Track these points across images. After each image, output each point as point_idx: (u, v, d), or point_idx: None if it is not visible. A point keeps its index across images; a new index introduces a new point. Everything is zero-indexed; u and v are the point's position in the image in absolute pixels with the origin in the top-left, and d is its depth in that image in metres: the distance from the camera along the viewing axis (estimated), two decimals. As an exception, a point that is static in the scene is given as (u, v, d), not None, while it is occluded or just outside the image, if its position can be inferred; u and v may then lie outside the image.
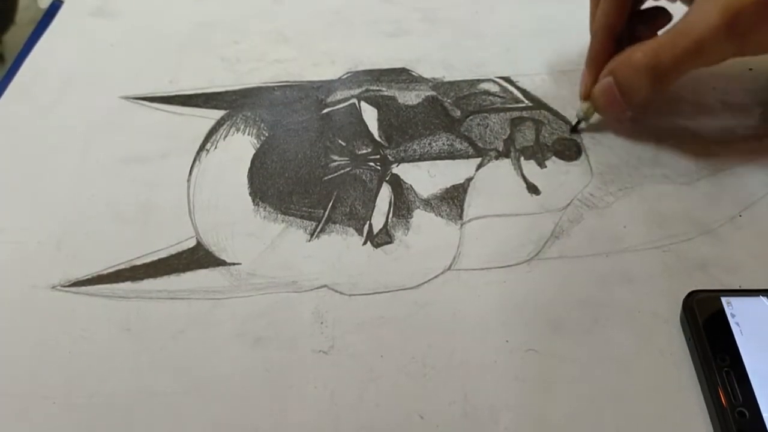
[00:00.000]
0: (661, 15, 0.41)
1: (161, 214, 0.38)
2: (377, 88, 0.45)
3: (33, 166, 0.41)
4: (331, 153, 0.41)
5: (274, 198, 0.38)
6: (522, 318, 0.32)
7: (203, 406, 0.30)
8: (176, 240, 0.37)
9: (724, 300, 0.31)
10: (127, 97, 0.45)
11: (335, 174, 0.39)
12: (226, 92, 0.45)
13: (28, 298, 0.34)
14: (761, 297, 0.31)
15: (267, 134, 0.42)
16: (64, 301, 0.34)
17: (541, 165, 0.39)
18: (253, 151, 0.41)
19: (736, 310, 0.31)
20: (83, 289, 0.35)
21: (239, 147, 0.41)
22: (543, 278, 0.34)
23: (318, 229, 0.37)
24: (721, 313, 0.31)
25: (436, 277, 0.34)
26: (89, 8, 0.53)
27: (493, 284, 0.34)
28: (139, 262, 0.36)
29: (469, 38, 0.48)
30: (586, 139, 0.41)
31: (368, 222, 0.37)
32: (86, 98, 0.45)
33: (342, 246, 0.36)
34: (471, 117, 0.42)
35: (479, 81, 0.45)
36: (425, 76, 0.45)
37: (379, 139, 0.41)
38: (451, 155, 0.40)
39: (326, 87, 0.45)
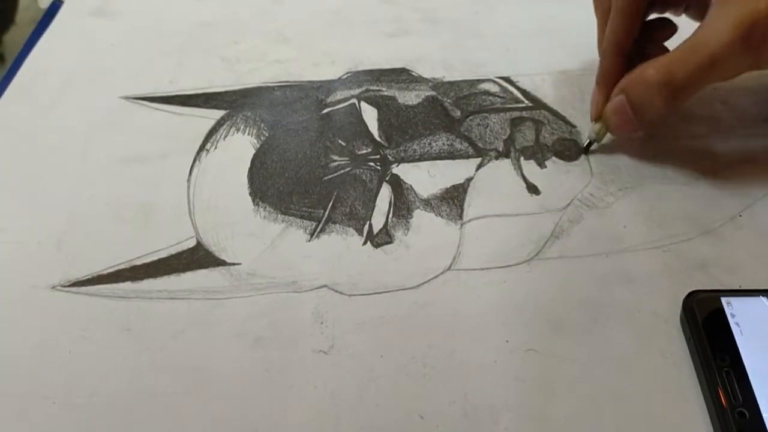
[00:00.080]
0: (666, 27, 0.40)
1: (161, 214, 0.38)
2: (377, 88, 0.45)
3: (33, 166, 0.41)
4: (331, 153, 0.41)
5: (274, 198, 0.38)
6: (522, 318, 0.32)
7: (203, 407, 0.30)
8: (176, 240, 0.37)
9: (724, 300, 0.31)
10: (127, 97, 0.45)
11: (335, 174, 0.39)
12: (226, 92, 0.45)
13: (28, 298, 0.34)
14: (761, 297, 0.31)
15: (267, 134, 0.42)
16: (64, 301, 0.34)
17: (541, 165, 0.39)
18: (253, 151, 0.41)
19: (736, 310, 0.31)
20: (83, 289, 0.35)
21: (239, 147, 0.41)
22: (543, 278, 0.34)
23: (318, 229, 0.37)
24: (721, 313, 0.31)
25: (436, 277, 0.34)
26: (89, 8, 0.53)
27: (493, 284, 0.34)
28: (139, 262, 0.36)
29: (469, 38, 0.48)
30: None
31: (368, 222, 0.37)
32: (86, 98, 0.45)
33: (342, 246, 0.36)
34: (471, 117, 0.42)
35: (479, 81, 0.45)
36: (425, 76, 0.45)
37: (379, 139, 0.41)
38: (451, 155, 0.40)
39: (326, 87, 0.45)
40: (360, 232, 0.37)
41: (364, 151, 0.40)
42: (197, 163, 0.41)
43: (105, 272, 0.35)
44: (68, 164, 0.41)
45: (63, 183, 0.40)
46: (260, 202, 0.38)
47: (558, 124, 0.42)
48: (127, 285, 0.35)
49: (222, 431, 0.29)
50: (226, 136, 0.42)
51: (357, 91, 0.44)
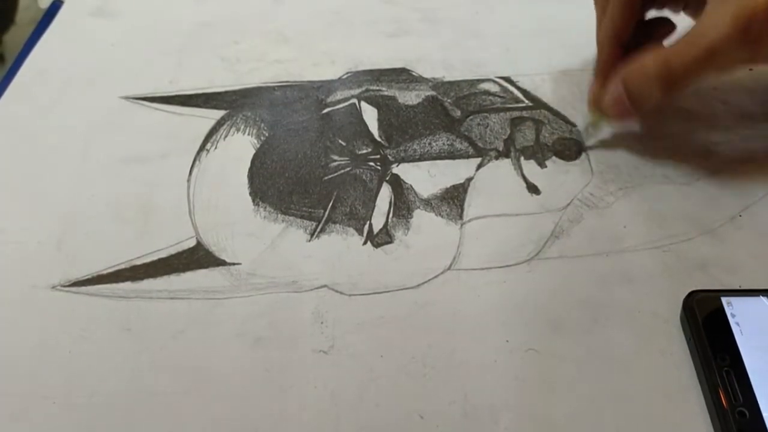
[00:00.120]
0: (664, 25, 0.40)
1: (161, 214, 0.38)
2: (377, 88, 0.45)
3: (33, 166, 0.41)
4: (331, 153, 0.41)
5: (274, 198, 0.38)
6: (522, 318, 0.32)
7: (203, 406, 0.30)
8: (176, 240, 0.37)
9: (724, 300, 0.31)
10: (127, 97, 0.45)
11: (335, 174, 0.39)
12: (226, 92, 0.45)
13: (28, 298, 0.34)
14: (761, 297, 0.31)
15: (267, 134, 0.42)
16: (64, 301, 0.34)
17: (541, 165, 0.39)
18: (253, 151, 0.41)
19: (736, 310, 0.31)
20: (83, 289, 0.35)
21: (239, 147, 0.41)
22: (543, 278, 0.34)
23: (318, 229, 0.37)
24: (721, 313, 0.31)
25: (436, 277, 0.34)
26: (89, 8, 0.53)
27: (493, 284, 0.34)
28: (139, 262, 0.36)
29: (469, 38, 0.48)
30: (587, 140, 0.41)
31: (368, 222, 0.37)
32: (86, 98, 0.45)
33: (342, 246, 0.36)
34: (471, 117, 0.42)
35: (479, 81, 0.45)
36: (425, 76, 0.45)
37: (379, 139, 0.41)
38: (451, 155, 0.40)
39: (326, 87, 0.45)
40: (360, 232, 0.37)
41: (364, 151, 0.40)
42: (197, 163, 0.41)
43: (105, 272, 0.35)
44: (68, 164, 0.41)
45: (63, 183, 0.40)
46: (260, 202, 0.38)
47: (558, 124, 0.42)
48: (127, 285, 0.35)
49: (222, 431, 0.29)
50: (226, 136, 0.42)
51: (357, 91, 0.44)
